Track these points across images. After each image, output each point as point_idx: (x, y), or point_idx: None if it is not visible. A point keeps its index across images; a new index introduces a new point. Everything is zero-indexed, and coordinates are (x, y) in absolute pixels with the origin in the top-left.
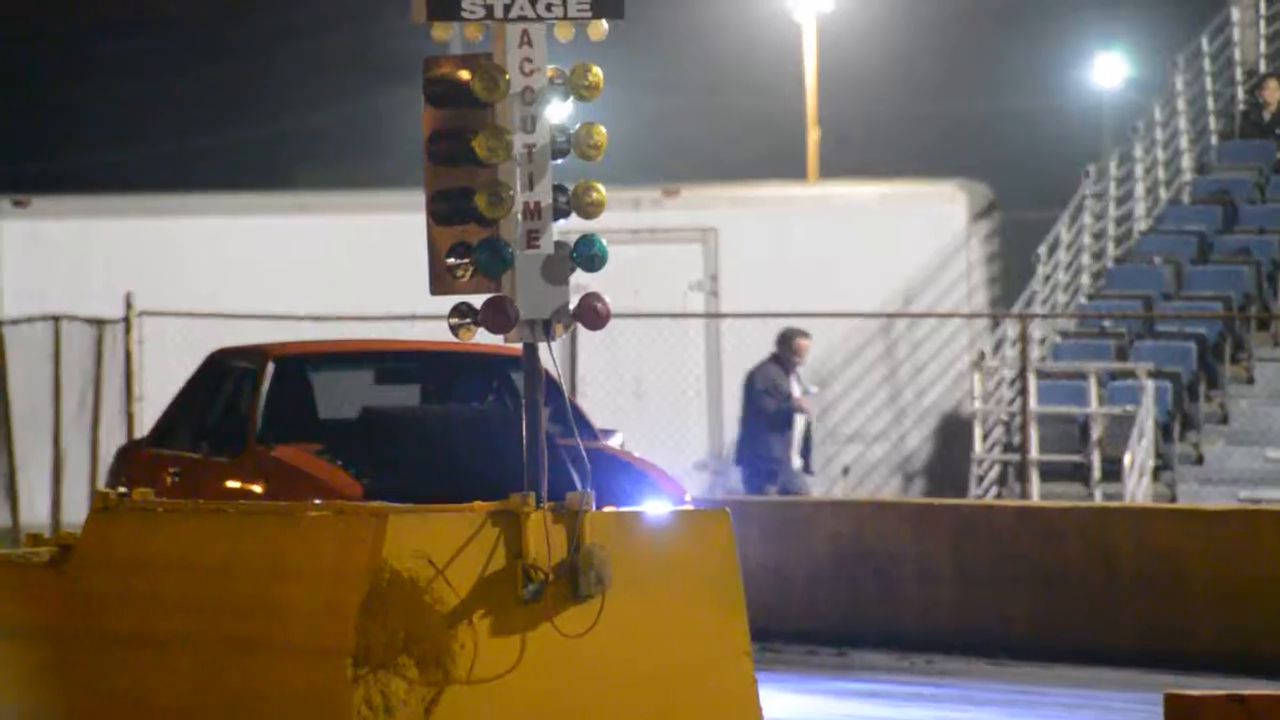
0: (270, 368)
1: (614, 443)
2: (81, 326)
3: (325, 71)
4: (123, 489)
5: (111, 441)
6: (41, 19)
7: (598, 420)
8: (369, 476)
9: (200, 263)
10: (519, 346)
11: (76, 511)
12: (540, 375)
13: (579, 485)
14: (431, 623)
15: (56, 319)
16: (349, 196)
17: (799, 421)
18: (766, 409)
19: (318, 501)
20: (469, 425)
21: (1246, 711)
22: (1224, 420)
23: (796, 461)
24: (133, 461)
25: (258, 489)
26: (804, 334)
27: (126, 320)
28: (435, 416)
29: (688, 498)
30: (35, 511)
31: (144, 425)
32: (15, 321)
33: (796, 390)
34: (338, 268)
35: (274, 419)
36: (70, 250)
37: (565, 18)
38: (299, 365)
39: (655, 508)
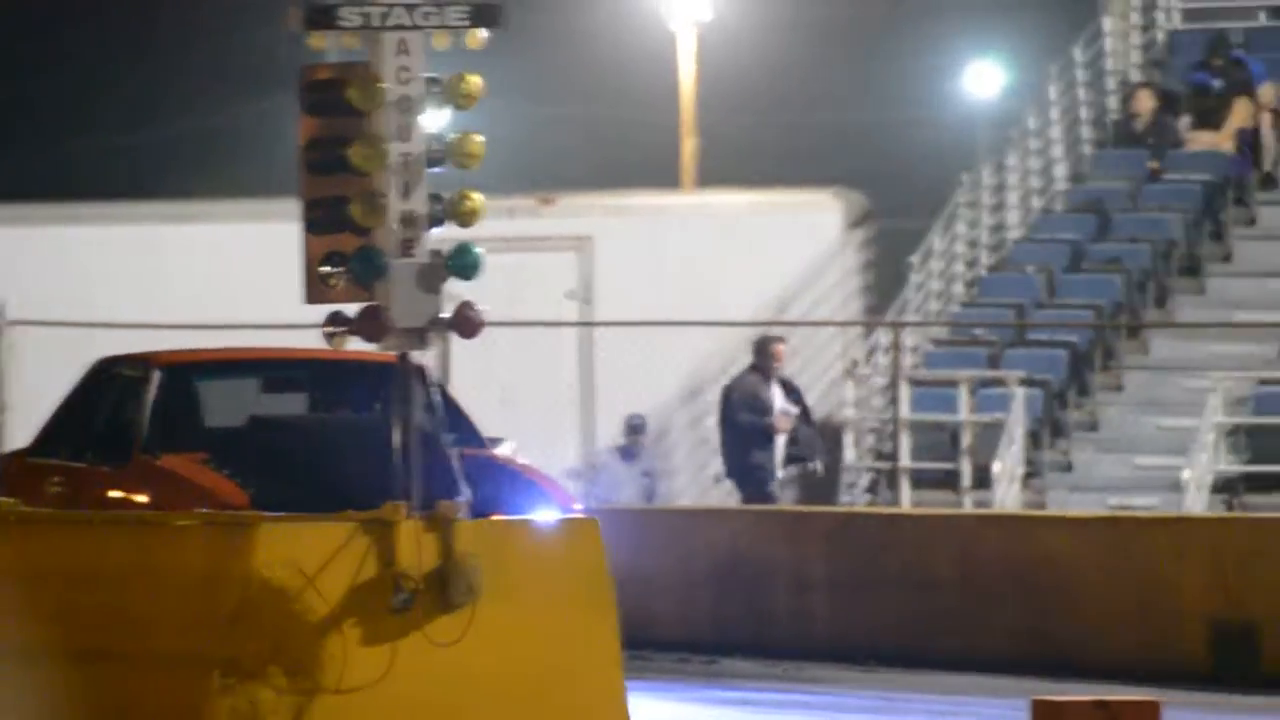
0: (156, 376)
1: (504, 451)
2: None
3: (203, 79)
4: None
5: None
6: None
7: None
8: (255, 486)
9: (83, 271)
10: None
11: None
12: (412, 384)
13: (466, 494)
14: (301, 632)
15: None
16: (230, 205)
17: (781, 437)
18: (741, 424)
19: (204, 510)
20: (356, 434)
21: (1110, 716)
22: (1093, 428)
23: (779, 471)
24: (13, 470)
25: (143, 499)
26: (779, 339)
27: None
28: (322, 425)
29: (577, 506)
30: None
31: (13, 436)
32: None
33: (779, 399)
34: (218, 276)
35: (160, 428)
36: None
37: (442, 26)
38: (185, 374)
39: (526, 517)
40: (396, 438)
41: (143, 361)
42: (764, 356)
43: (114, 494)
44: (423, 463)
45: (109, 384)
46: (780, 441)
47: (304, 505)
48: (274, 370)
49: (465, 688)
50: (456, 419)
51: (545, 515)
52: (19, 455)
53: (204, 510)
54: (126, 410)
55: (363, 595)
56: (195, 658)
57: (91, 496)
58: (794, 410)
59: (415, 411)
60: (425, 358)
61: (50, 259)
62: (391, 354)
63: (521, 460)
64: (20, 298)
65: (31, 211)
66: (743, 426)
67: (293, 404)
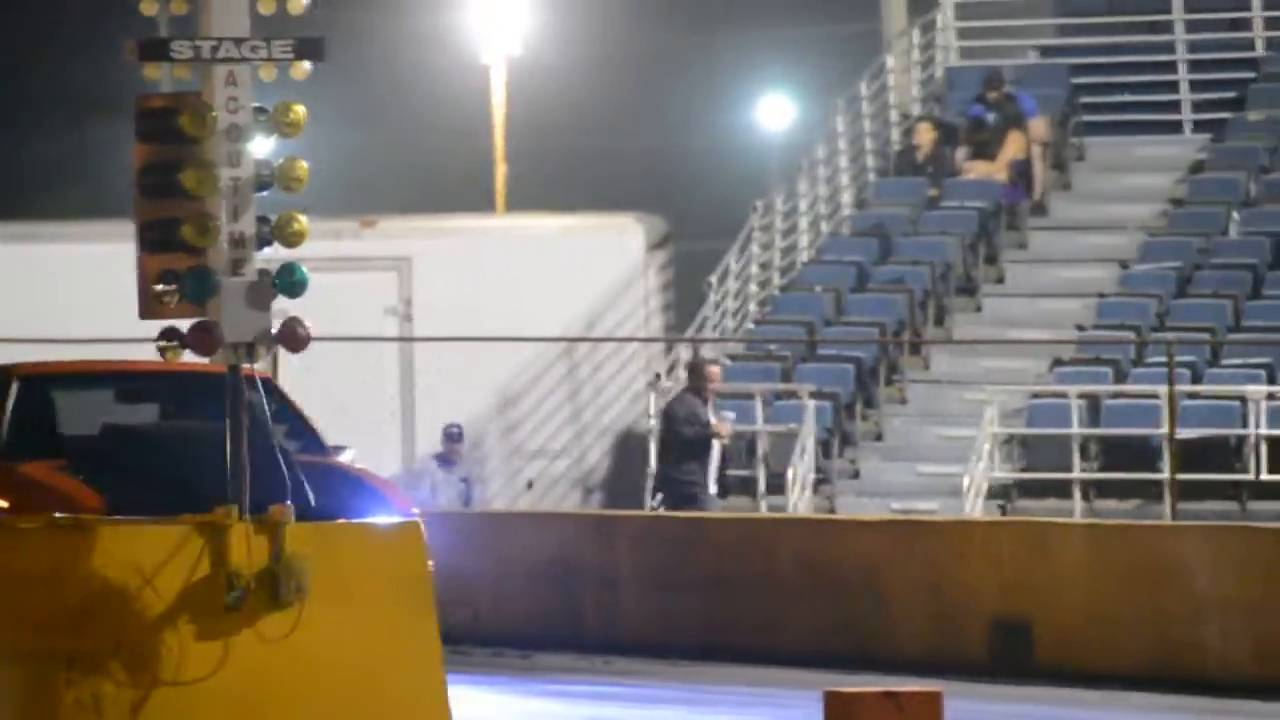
0: (14, 386)
1: (345, 458)
2: None
3: (40, 105)
4: None
5: None
6: None
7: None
8: (110, 490)
9: None
10: (258, 368)
11: None
12: (243, 395)
13: (309, 498)
14: (140, 628)
15: None
16: (66, 225)
17: (715, 447)
18: (685, 435)
19: (58, 515)
20: (202, 441)
21: (897, 706)
22: (879, 438)
23: (712, 487)
24: None
25: (3, 503)
26: (712, 361)
27: None
28: (173, 433)
29: (415, 510)
30: None
31: None
32: None
33: (713, 416)
34: (55, 292)
35: (18, 435)
36: None
37: (269, 59)
38: (42, 384)
39: (356, 520)
40: (230, 445)
41: (1, 372)
42: (698, 377)
43: None
44: (264, 469)
45: None
46: (715, 453)
47: (155, 508)
48: (127, 381)
49: (295, 681)
50: (300, 428)
51: (379, 518)
52: None
53: (59, 514)
54: None
55: (197, 593)
56: (41, 653)
57: None
58: (730, 417)
59: (246, 420)
60: (264, 370)
61: None
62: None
63: (359, 467)
64: None
65: None
66: (687, 439)
67: (144, 413)
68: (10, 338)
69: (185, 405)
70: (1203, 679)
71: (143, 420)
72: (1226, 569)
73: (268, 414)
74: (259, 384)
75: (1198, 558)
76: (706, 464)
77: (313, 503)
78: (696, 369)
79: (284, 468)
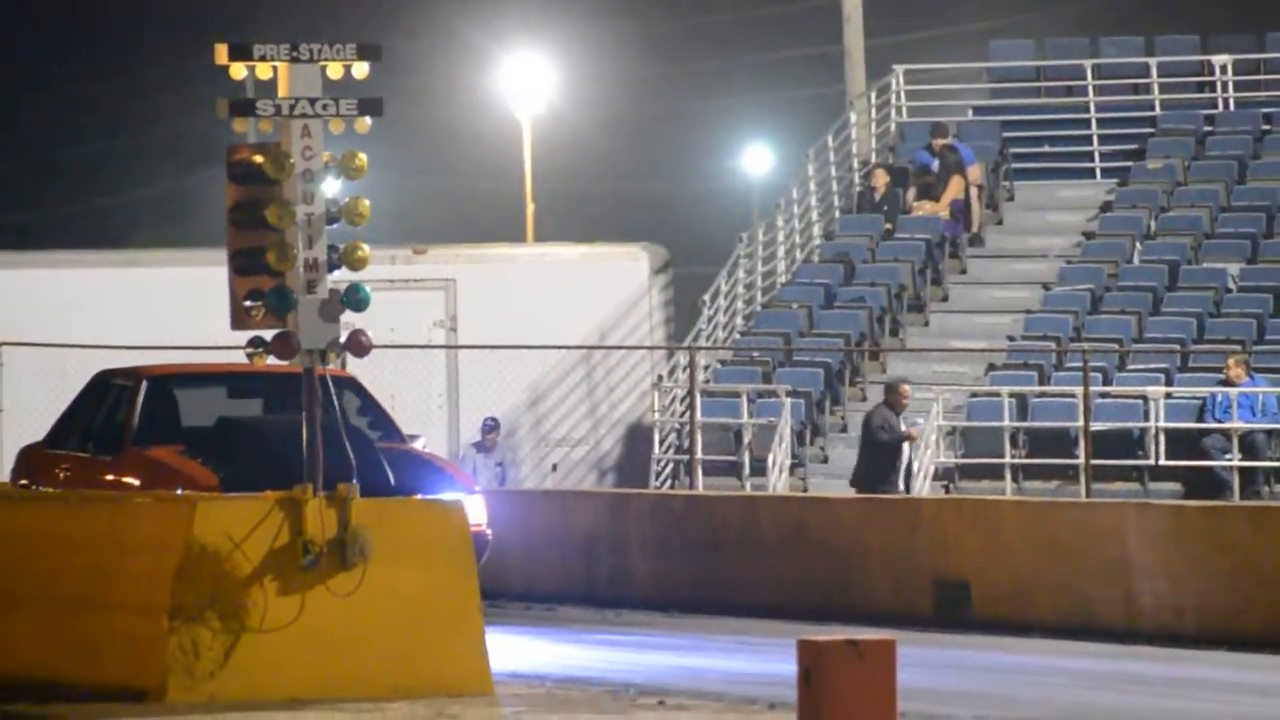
0: (144, 385)
1: (418, 445)
2: None
3: (152, 155)
4: (23, 480)
5: None
6: None
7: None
8: (223, 471)
9: (53, 306)
10: (344, 369)
11: None
12: (317, 391)
13: (390, 478)
14: (231, 585)
15: None
16: (170, 253)
17: (904, 450)
18: (881, 440)
19: (181, 491)
20: (300, 430)
21: (857, 652)
22: (844, 429)
23: (901, 483)
24: (32, 459)
25: (135, 481)
26: (904, 381)
27: None
28: (274, 423)
29: (477, 489)
30: None
31: (3, 433)
32: None
33: (903, 425)
34: (161, 308)
35: (147, 425)
36: None
37: (337, 115)
38: (167, 383)
39: (409, 497)
40: (305, 434)
41: (133, 373)
42: (893, 393)
43: (110, 477)
44: (342, 454)
45: (106, 391)
46: (905, 454)
47: (260, 486)
48: (237, 381)
49: (359, 629)
50: (382, 420)
51: (428, 496)
52: (37, 447)
53: (177, 490)
54: (120, 411)
55: (278, 557)
56: (150, 606)
57: (92, 480)
58: (919, 424)
59: (322, 412)
60: (353, 372)
61: (34, 295)
62: (339, 370)
63: (429, 451)
64: (10, 325)
65: (17, 258)
66: (882, 443)
67: (251, 407)
68: (124, 345)
69: (284, 401)
70: (1110, 629)
71: (250, 413)
72: (1131, 538)
73: (336, 408)
74: (346, 384)
75: (1107, 529)
76: (898, 463)
77: (392, 482)
78: (892, 388)
79: (360, 453)
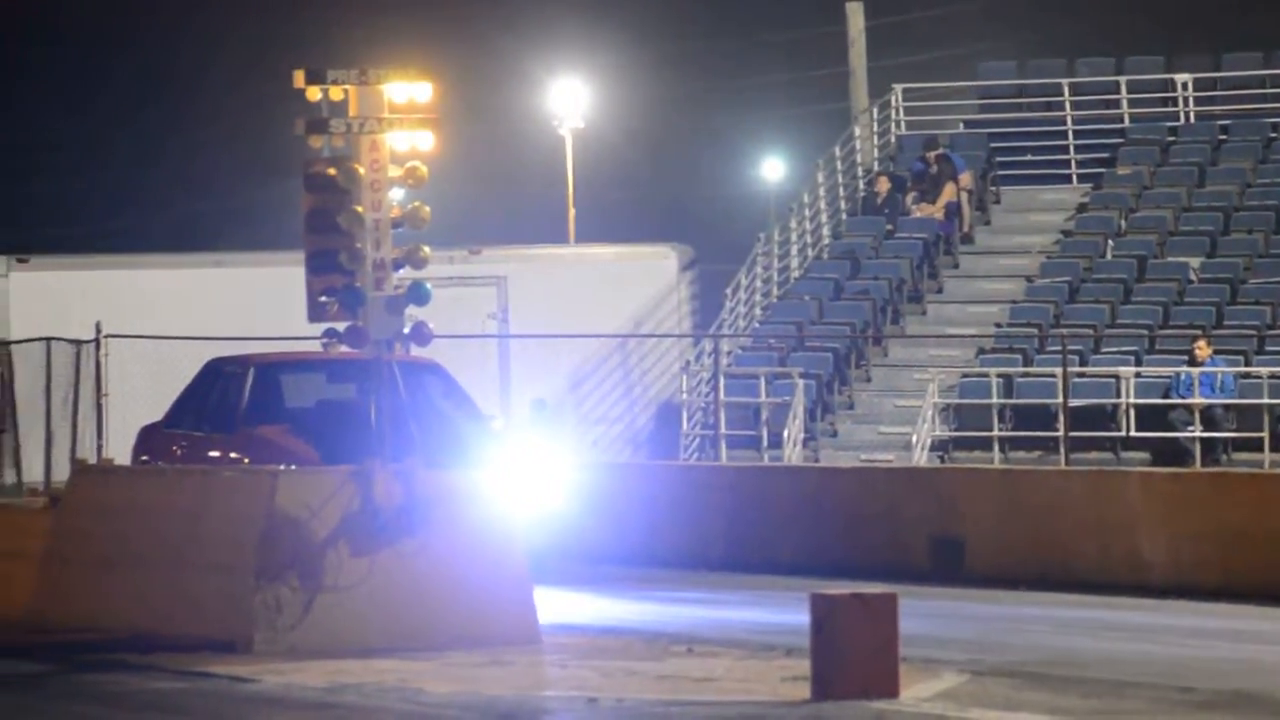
0: (252, 371)
1: (496, 425)
2: (65, 345)
3: (236, 168)
4: (144, 456)
5: (87, 426)
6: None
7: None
8: (323, 447)
9: (151, 302)
10: (426, 357)
11: (62, 474)
12: (384, 375)
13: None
14: (308, 549)
15: (48, 340)
16: (253, 255)
17: None
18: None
19: (289, 466)
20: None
21: (864, 604)
22: (851, 407)
23: None
24: (152, 437)
25: (245, 457)
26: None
27: (97, 341)
28: (367, 405)
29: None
30: (33, 474)
31: (109, 416)
32: (20, 342)
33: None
34: (246, 303)
35: (256, 407)
36: (58, 293)
37: (401, 131)
38: (272, 370)
39: (463, 472)
40: (375, 414)
41: (242, 360)
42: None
43: (223, 454)
44: (435, 432)
45: (217, 376)
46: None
47: (356, 460)
48: (334, 368)
49: (422, 587)
50: (464, 401)
51: (482, 470)
52: (155, 426)
53: (282, 466)
54: (231, 395)
55: (352, 523)
56: (237, 567)
57: (207, 456)
58: None
59: (386, 396)
60: (439, 361)
61: (133, 294)
62: (421, 357)
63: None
64: (113, 318)
65: (119, 259)
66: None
67: (347, 391)
68: (213, 336)
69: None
70: (1087, 582)
71: (346, 396)
72: (1104, 502)
73: (447, 392)
74: (431, 369)
75: (1083, 494)
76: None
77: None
78: None
79: (427, 431)
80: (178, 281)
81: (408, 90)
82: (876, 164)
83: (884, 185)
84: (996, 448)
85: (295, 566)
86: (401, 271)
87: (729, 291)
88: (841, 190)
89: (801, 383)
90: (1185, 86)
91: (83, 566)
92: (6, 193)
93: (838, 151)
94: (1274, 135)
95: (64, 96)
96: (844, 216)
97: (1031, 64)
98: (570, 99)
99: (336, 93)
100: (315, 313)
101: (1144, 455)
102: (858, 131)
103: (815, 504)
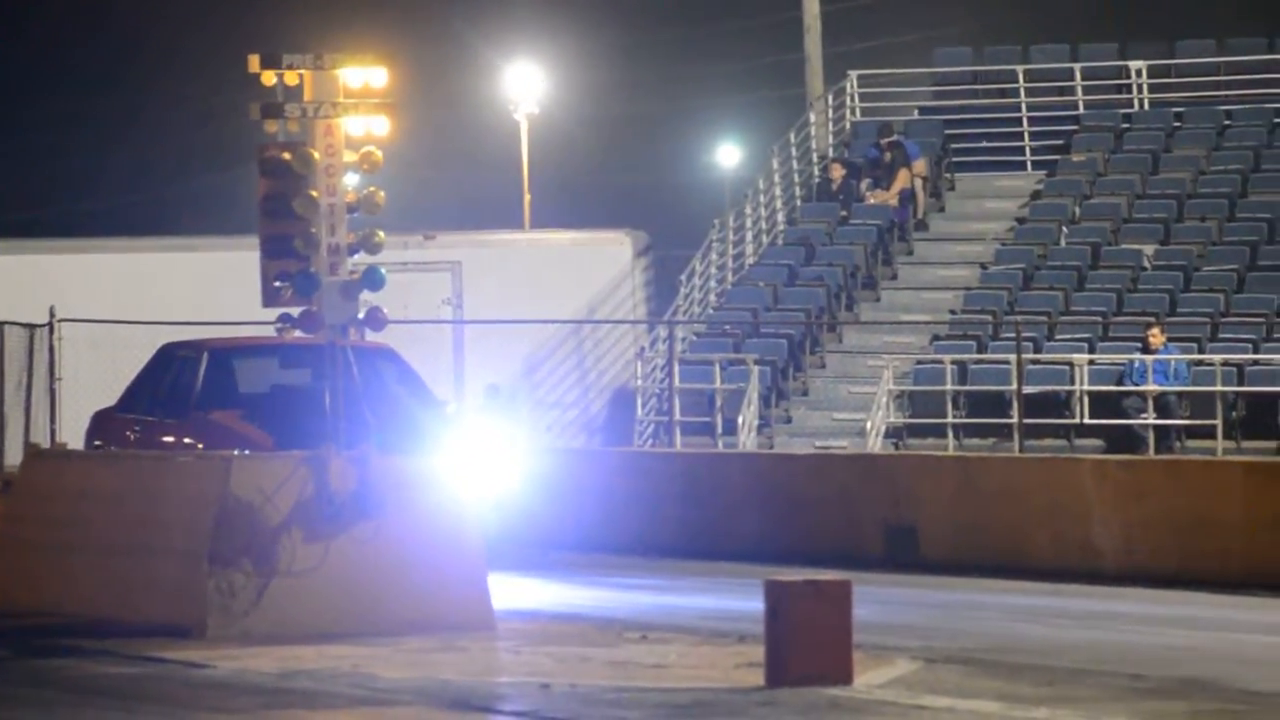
0: (205, 356)
1: (450, 411)
2: (18, 329)
3: (193, 154)
4: (98, 441)
5: (40, 410)
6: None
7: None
8: (276, 433)
9: (104, 286)
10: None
11: (15, 459)
12: (339, 360)
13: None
14: (262, 534)
15: (1, 324)
16: (208, 239)
17: None
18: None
19: (244, 451)
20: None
21: (818, 591)
22: (805, 393)
23: None
24: (105, 422)
25: (199, 443)
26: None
27: (50, 325)
28: (322, 390)
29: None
30: None
31: (62, 400)
32: None
33: None
34: (201, 288)
35: (208, 392)
36: (12, 277)
37: (356, 116)
38: (226, 354)
39: (417, 458)
40: (328, 398)
41: (196, 345)
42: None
43: (176, 439)
44: (390, 417)
45: (171, 361)
46: None
47: (310, 445)
48: (289, 353)
49: (376, 571)
50: (418, 387)
51: (436, 456)
52: (109, 411)
53: (235, 450)
54: (184, 380)
55: (305, 508)
56: (191, 552)
57: (159, 441)
58: None
59: (340, 380)
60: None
61: (88, 278)
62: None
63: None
64: (66, 303)
65: (74, 244)
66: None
67: (301, 376)
68: (168, 321)
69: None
70: (1040, 569)
71: (300, 381)
72: (1058, 489)
73: (361, 376)
74: (385, 354)
75: (1037, 481)
76: None
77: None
78: None
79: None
80: (132, 266)
81: (363, 75)
82: (831, 150)
83: (837, 172)
84: (950, 435)
85: (249, 552)
86: (356, 256)
87: (684, 277)
88: (796, 176)
89: (756, 369)
90: (1139, 74)
91: (36, 551)
92: None
93: (793, 138)
94: (1228, 123)
95: (26, 82)
96: (799, 203)
97: (986, 51)
98: (525, 84)
99: (291, 77)
100: (270, 298)
101: (1098, 443)
102: (813, 118)
103: (769, 490)
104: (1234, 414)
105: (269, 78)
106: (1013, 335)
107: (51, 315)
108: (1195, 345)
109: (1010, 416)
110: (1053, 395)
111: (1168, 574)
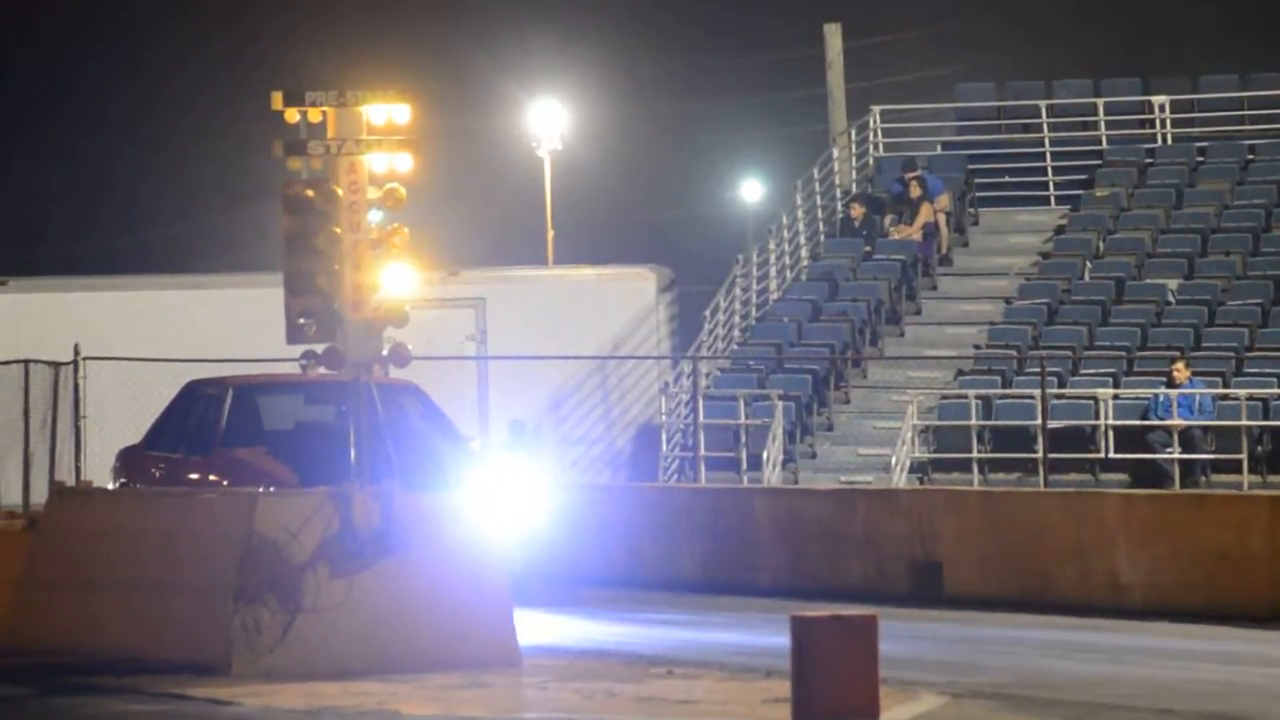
0: (230, 393)
1: (474, 447)
2: (43, 368)
3: (215, 190)
4: (123, 479)
5: (65, 448)
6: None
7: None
8: (300, 469)
9: (128, 324)
10: (404, 379)
11: (40, 497)
12: (363, 397)
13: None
14: (287, 570)
15: (26, 362)
16: (232, 276)
17: None
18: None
19: (268, 488)
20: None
21: (844, 626)
22: (830, 428)
23: None
24: (131, 459)
25: (224, 480)
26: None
27: (75, 363)
28: (346, 426)
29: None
30: (11, 496)
31: (88, 437)
32: None
33: None
34: (224, 325)
35: (233, 429)
36: (36, 316)
37: (380, 153)
38: (249, 391)
39: (442, 494)
40: (354, 435)
41: (220, 383)
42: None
43: (201, 476)
44: (414, 454)
45: (195, 399)
46: None
47: (333, 482)
48: (313, 390)
49: (401, 608)
50: (442, 423)
51: (464, 491)
52: (134, 448)
53: (261, 488)
54: (209, 417)
55: (330, 545)
56: (215, 589)
57: (185, 478)
58: None
59: (366, 417)
60: (416, 382)
61: (111, 316)
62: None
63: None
64: (90, 340)
65: (99, 281)
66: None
67: (326, 413)
68: (192, 359)
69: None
70: (1066, 604)
71: (324, 418)
72: (1084, 523)
73: (385, 413)
74: (410, 391)
75: (1062, 516)
76: None
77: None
78: None
79: (405, 453)
80: (156, 304)
81: (386, 112)
82: (855, 185)
83: (858, 211)
84: (975, 469)
85: (274, 588)
86: (380, 294)
87: (708, 313)
88: (820, 212)
89: (780, 404)
90: (1162, 108)
91: (61, 589)
92: None
93: (816, 173)
94: (1251, 157)
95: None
96: (822, 238)
97: (1009, 86)
98: (548, 121)
99: (315, 114)
100: (294, 335)
101: (1122, 477)
102: (836, 153)
103: (794, 525)
104: (1259, 448)
105: (292, 114)
106: (1037, 370)
107: (76, 353)
108: (1220, 379)
109: (1035, 451)
110: (1077, 430)
111: (1195, 608)
